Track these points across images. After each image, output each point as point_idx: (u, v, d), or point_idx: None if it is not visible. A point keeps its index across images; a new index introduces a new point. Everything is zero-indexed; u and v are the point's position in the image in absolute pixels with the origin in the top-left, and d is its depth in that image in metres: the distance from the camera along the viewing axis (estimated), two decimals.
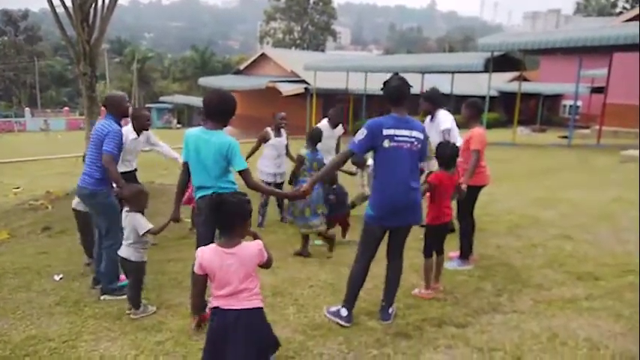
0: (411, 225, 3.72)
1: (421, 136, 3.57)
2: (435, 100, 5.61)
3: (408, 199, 3.55)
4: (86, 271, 5.03)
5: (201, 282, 2.59)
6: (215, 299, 2.51)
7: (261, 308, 2.58)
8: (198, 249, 2.57)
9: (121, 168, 4.43)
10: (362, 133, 3.51)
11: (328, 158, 6.77)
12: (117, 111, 4.41)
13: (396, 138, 3.48)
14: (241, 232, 2.55)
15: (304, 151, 5.47)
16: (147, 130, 5.59)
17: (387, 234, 3.71)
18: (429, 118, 5.69)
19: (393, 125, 3.49)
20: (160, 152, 5.96)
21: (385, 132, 3.46)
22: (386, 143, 3.47)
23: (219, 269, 2.46)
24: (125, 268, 4.03)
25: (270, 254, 2.64)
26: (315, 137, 5.63)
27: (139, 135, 5.50)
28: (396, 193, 3.53)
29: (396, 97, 3.56)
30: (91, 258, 5.05)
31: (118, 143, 4.27)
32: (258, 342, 2.51)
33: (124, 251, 3.94)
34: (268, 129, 6.68)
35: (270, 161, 6.68)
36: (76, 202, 5.10)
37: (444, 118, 5.51)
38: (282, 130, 6.74)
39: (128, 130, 5.42)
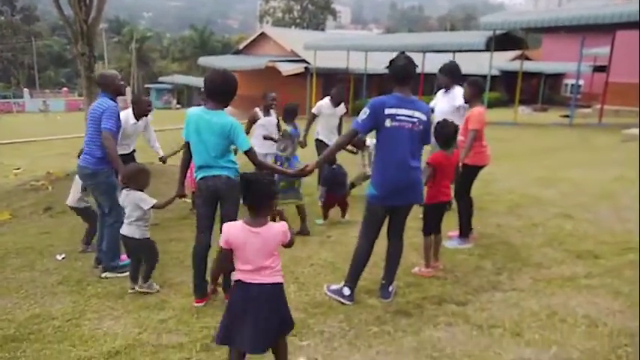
0: (412, 204, 3.73)
1: (424, 117, 3.54)
2: (454, 75, 5.54)
3: (409, 178, 3.55)
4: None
5: (226, 257, 2.61)
6: (239, 273, 2.56)
7: (282, 284, 2.62)
8: (225, 224, 2.59)
9: (119, 151, 4.44)
10: (365, 113, 3.49)
11: (330, 137, 6.77)
12: (110, 89, 4.40)
13: (397, 117, 3.45)
14: (268, 211, 2.61)
15: (289, 129, 5.43)
16: (147, 115, 5.62)
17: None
18: (442, 90, 5.63)
19: (395, 104, 3.46)
20: (146, 138, 5.98)
21: (387, 111, 3.44)
22: (387, 122, 3.45)
23: (243, 245, 2.50)
24: (128, 246, 4.06)
25: (293, 234, 2.68)
26: (292, 112, 5.59)
27: (138, 120, 5.52)
28: (397, 173, 3.52)
29: (402, 76, 3.53)
30: (85, 245, 5.10)
31: (116, 120, 4.27)
32: (277, 315, 2.57)
33: (126, 229, 3.96)
34: (257, 109, 6.56)
35: (261, 141, 6.55)
36: (70, 199, 5.09)
37: (461, 94, 5.43)
38: (272, 111, 6.62)
39: (128, 114, 5.42)
